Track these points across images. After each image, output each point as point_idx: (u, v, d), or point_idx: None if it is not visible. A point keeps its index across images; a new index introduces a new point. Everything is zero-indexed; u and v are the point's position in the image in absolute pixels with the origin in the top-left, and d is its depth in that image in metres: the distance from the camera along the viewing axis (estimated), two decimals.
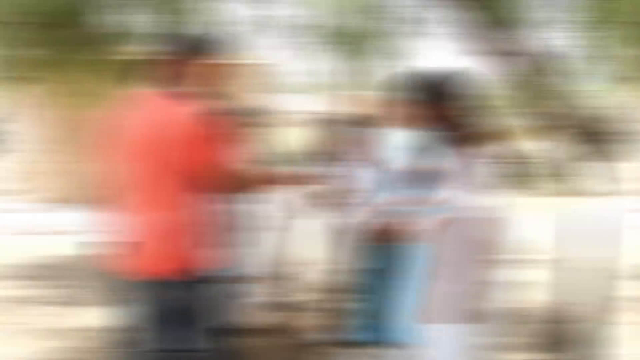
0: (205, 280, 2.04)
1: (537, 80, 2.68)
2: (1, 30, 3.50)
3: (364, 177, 3.08)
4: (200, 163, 1.97)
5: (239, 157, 2.11)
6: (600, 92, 2.78)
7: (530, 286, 4.99)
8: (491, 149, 2.23)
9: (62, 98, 4.43)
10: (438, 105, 2.26)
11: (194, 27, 4.25)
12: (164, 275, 1.96)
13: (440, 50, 3.20)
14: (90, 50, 3.99)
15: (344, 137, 3.27)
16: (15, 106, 9.16)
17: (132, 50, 4.41)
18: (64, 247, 6.60)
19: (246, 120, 3.27)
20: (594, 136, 2.75)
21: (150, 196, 1.97)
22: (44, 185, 8.84)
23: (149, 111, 1.99)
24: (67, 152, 8.78)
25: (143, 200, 1.98)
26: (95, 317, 4.01)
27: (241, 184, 2.17)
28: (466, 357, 2.29)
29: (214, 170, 2.00)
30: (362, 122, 3.25)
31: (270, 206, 3.32)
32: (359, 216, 3.01)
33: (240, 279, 2.26)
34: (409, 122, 2.35)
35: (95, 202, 2.17)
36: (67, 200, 8.67)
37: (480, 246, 2.19)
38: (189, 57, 2.04)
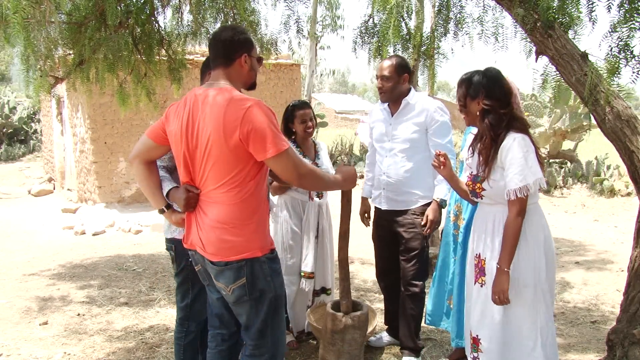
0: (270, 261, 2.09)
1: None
2: (53, 30, 3.44)
3: None
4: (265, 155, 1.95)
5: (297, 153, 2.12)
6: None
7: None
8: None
9: (113, 96, 4.31)
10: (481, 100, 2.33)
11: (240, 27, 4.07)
12: (238, 258, 2.00)
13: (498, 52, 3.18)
14: (145, 50, 3.96)
15: None
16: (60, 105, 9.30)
17: (184, 50, 4.44)
18: (134, 246, 6.64)
19: (304, 117, 3.31)
20: None
21: (217, 186, 1.99)
22: (107, 184, 8.85)
23: (212, 107, 1.97)
24: (120, 150, 8.87)
25: (211, 190, 2.01)
26: (168, 315, 4.09)
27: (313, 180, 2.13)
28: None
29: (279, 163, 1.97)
30: None
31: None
32: None
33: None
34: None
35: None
36: (127, 199, 8.87)
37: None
38: (239, 55, 2.06)
